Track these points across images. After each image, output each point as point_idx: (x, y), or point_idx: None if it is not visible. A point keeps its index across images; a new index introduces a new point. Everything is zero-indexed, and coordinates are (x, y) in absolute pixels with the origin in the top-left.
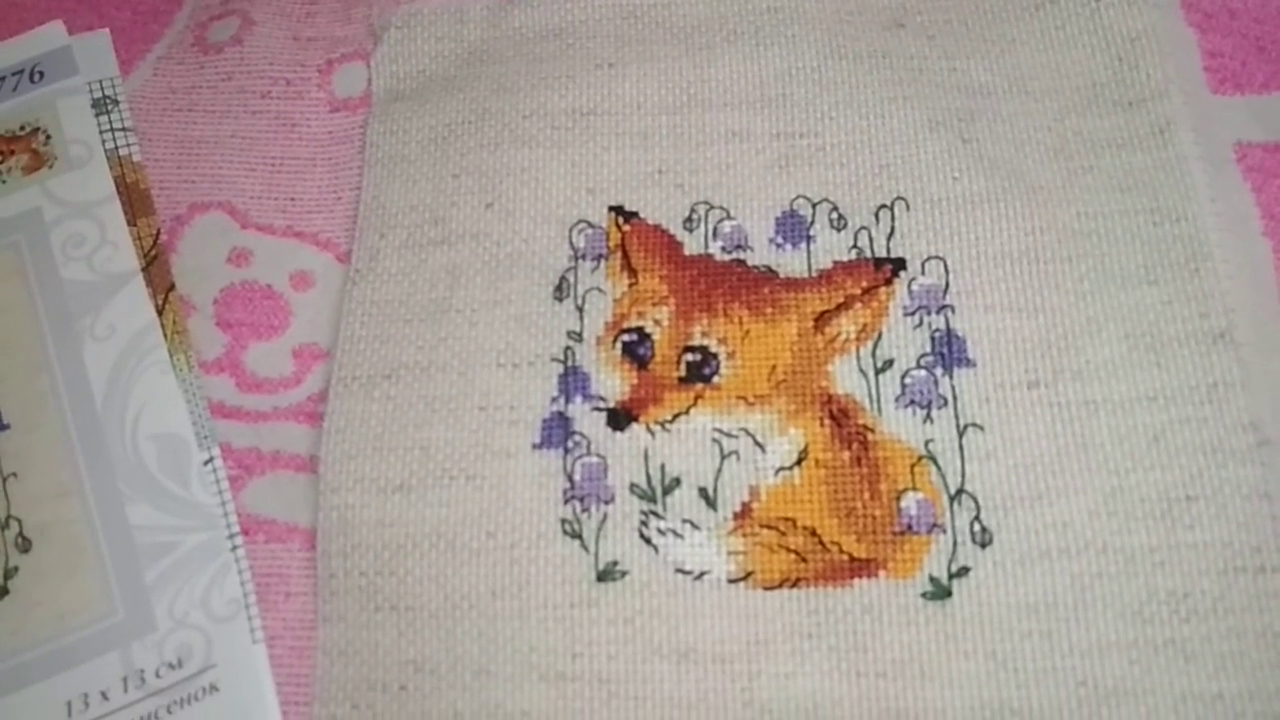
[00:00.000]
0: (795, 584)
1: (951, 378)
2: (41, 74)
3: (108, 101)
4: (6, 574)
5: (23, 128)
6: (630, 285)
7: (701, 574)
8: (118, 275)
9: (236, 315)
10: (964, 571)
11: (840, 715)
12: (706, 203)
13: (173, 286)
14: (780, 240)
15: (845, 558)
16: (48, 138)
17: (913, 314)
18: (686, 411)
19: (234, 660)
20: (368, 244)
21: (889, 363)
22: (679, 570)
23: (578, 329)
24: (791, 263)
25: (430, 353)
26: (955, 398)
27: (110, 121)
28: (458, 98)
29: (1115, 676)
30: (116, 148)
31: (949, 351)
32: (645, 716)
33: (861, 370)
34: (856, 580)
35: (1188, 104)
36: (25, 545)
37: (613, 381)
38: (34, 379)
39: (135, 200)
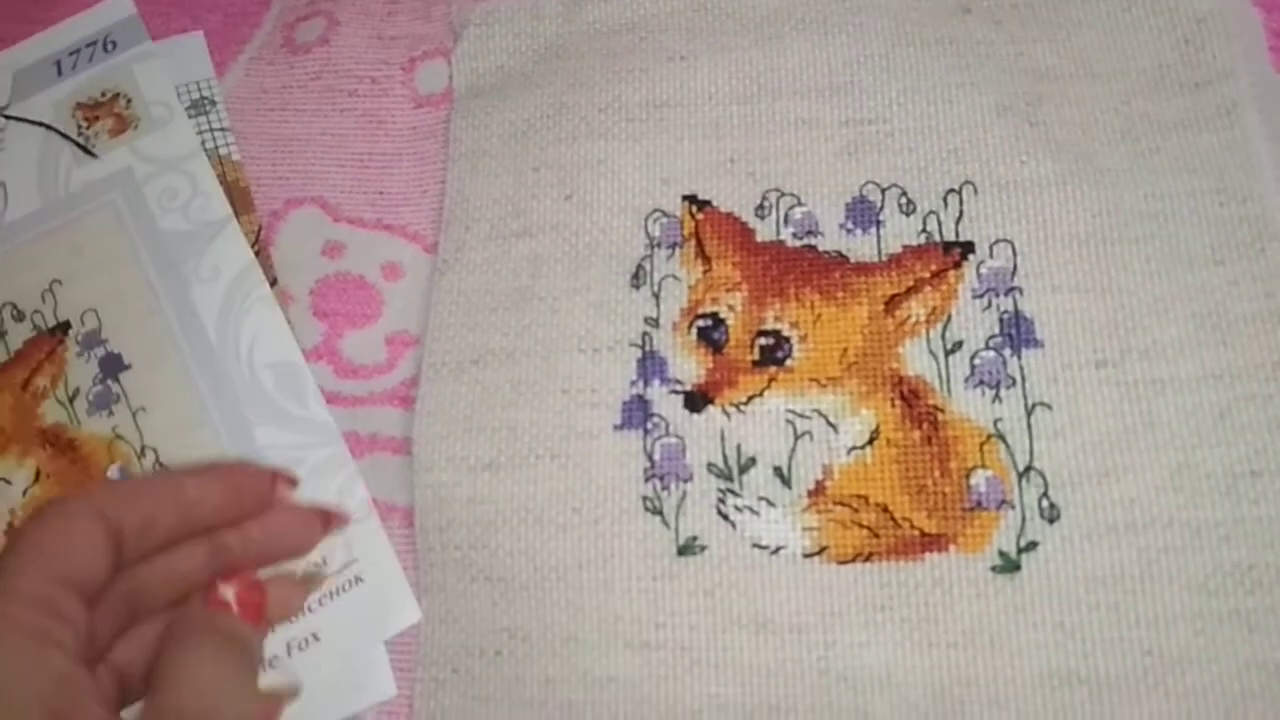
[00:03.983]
0: (868, 558)
1: (1020, 358)
2: (114, 43)
3: (205, 102)
4: None
5: (103, 94)
6: (705, 272)
7: (778, 549)
8: (213, 222)
9: (332, 305)
10: (1032, 546)
11: (913, 683)
12: (778, 190)
13: (275, 281)
14: (850, 226)
15: (916, 533)
16: (129, 101)
17: (981, 296)
18: (761, 394)
19: (372, 554)
20: (454, 236)
21: (958, 344)
22: (756, 545)
23: (654, 315)
24: (861, 248)
25: (515, 339)
26: (1024, 378)
27: (209, 122)
28: (535, 93)
29: (1180, 646)
30: (216, 147)
31: (1017, 332)
32: (725, 683)
33: (931, 352)
34: (928, 555)
35: (1254, 84)
36: None
37: (689, 365)
38: (148, 322)
39: (237, 198)
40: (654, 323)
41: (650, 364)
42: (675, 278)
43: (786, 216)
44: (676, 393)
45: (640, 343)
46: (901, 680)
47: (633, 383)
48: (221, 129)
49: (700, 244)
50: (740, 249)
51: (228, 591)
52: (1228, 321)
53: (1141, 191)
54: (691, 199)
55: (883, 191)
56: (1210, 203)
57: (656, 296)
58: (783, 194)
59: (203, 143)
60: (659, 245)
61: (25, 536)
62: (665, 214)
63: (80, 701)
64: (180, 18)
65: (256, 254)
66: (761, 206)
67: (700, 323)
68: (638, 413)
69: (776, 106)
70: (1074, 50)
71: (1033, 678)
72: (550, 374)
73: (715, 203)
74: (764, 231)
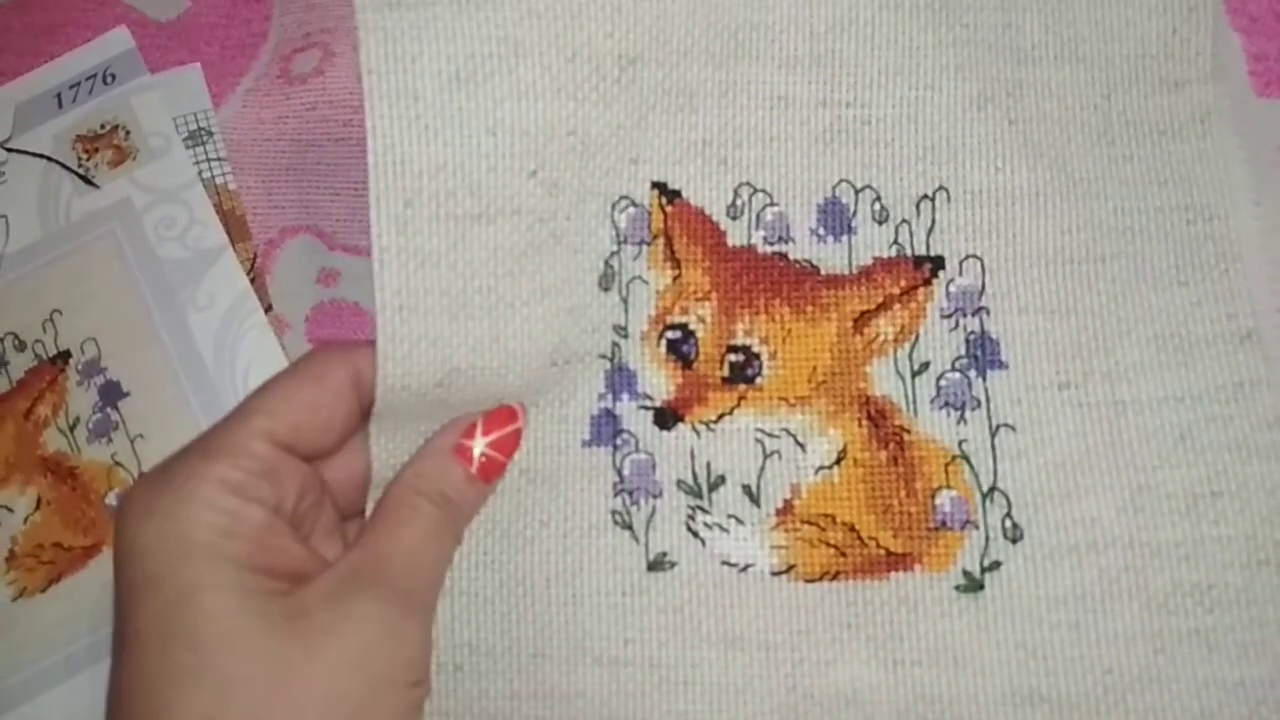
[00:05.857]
0: (835, 577)
1: (985, 379)
2: (113, 76)
3: (203, 133)
4: None
5: (103, 126)
6: (674, 278)
7: (746, 567)
8: (210, 250)
9: (327, 332)
10: (996, 565)
11: (878, 701)
12: (750, 185)
13: (270, 307)
14: (822, 231)
15: (882, 552)
16: (127, 133)
17: (949, 316)
18: (730, 412)
19: None
20: (389, 212)
21: (925, 365)
22: (725, 563)
23: (622, 323)
24: (832, 256)
25: (485, 356)
26: (988, 399)
27: (206, 152)
28: (478, 17)
29: (1140, 665)
30: (213, 177)
31: (983, 354)
32: (694, 700)
33: (899, 373)
34: (893, 574)
35: (1233, 107)
36: None
37: (658, 380)
38: (146, 349)
39: (233, 226)
40: (622, 332)
41: (619, 378)
42: (642, 280)
43: (758, 218)
44: (645, 409)
45: (609, 354)
46: (867, 698)
47: (601, 396)
48: (218, 159)
49: (670, 244)
50: (711, 254)
51: (480, 445)
52: (1190, 343)
53: (1112, 205)
54: (661, 188)
55: (856, 193)
56: (1178, 220)
57: (625, 301)
58: (755, 190)
59: (200, 172)
60: (626, 241)
61: (272, 389)
62: (633, 203)
63: (281, 559)
64: (179, 50)
65: (252, 281)
66: (734, 205)
67: (669, 334)
68: (607, 428)
69: (754, 74)
70: (1062, 25)
71: (995, 696)
72: (520, 389)
73: (685, 193)
74: (735, 234)
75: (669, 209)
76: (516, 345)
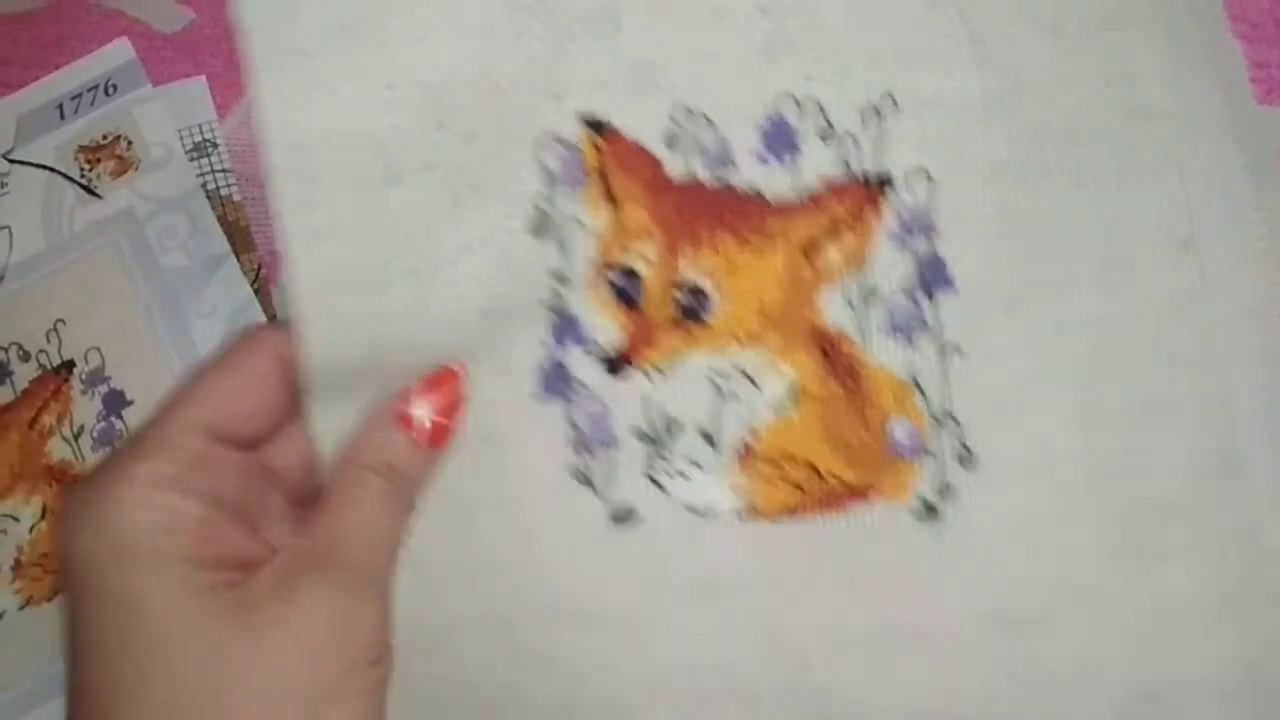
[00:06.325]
0: (796, 513)
1: (933, 301)
2: (115, 87)
3: (207, 145)
4: None
5: (105, 137)
6: (613, 218)
7: (709, 511)
8: (213, 259)
9: None
10: (951, 491)
11: (845, 630)
12: (687, 108)
13: (275, 317)
14: (765, 153)
15: (841, 486)
16: (129, 143)
17: (898, 238)
18: (682, 353)
19: None
20: (294, 191)
21: (874, 290)
22: (688, 509)
23: (562, 269)
24: (777, 180)
25: (414, 323)
26: (938, 323)
27: (211, 164)
28: None
29: (1094, 578)
30: (218, 188)
31: (931, 274)
32: (668, 650)
33: (848, 300)
34: (853, 506)
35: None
36: None
37: (604, 324)
38: (149, 358)
39: (237, 237)
40: (562, 278)
41: (563, 326)
42: (579, 222)
43: (697, 144)
44: (592, 354)
45: (550, 301)
46: (835, 628)
47: (546, 346)
48: (223, 170)
49: (606, 181)
50: (650, 188)
51: (422, 409)
52: (1130, 256)
53: (1059, 108)
54: (592, 123)
55: (799, 107)
56: (1122, 120)
57: (562, 246)
58: (692, 113)
59: (204, 184)
60: (557, 182)
61: (198, 380)
62: (561, 141)
63: (227, 550)
64: (183, 62)
65: (256, 292)
66: (671, 133)
67: (613, 277)
68: (557, 380)
69: None
70: None
71: (958, 617)
72: (456, 349)
73: (617, 124)
74: (673, 163)
75: (602, 145)
76: (445, 307)
